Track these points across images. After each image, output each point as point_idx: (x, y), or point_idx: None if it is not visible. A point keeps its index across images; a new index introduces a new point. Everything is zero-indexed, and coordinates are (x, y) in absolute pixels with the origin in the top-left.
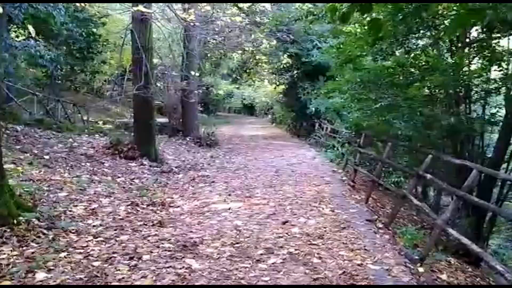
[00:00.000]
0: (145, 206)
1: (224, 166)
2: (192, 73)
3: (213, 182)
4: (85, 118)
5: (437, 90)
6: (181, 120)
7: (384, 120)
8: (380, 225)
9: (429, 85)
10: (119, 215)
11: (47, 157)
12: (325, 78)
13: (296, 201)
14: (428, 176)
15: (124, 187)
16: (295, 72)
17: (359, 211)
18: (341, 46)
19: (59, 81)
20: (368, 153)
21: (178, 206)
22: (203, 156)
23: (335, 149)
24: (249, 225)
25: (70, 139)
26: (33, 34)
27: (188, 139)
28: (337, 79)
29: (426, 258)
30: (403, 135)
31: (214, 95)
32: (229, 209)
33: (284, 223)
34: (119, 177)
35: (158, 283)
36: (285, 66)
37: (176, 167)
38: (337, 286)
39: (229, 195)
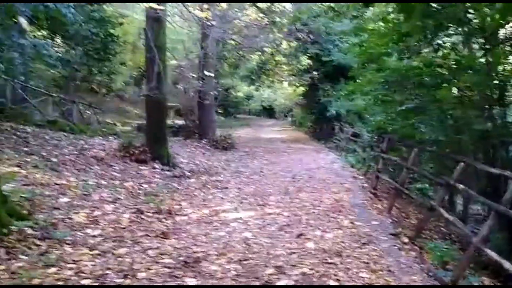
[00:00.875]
0: (150, 214)
1: (239, 171)
2: (208, 74)
3: (225, 188)
4: (100, 119)
5: (468, 92)
6: (197, 122)
7: (410, 123)
8: (405, 239)
9: (460, 86)
10: (121, 224)
11: (55, 159)
12: (346, 79)
13: (313, 210)
14: (461, 186)
15: (131, 192)
16: (315, 73)
17: (381, 223)
18: (364, 44)
19: (76, 82)
20: (391, 158)
21: (186, 215)
22: (218, 159)
23: (356, 153)
24: (259, 238)
25: (82, 141)
26: (45, 33)
27: (204, 141)
28: (358, 80)
29: (458, 281)
30: (429, 140)
31: (233, 97)
32: (240, 218)
33: (298, 236)
34: (127, 182)
35: None
36: (305, 67)
37: (188, 171)
38: (339, 286)
39: (241, 202)
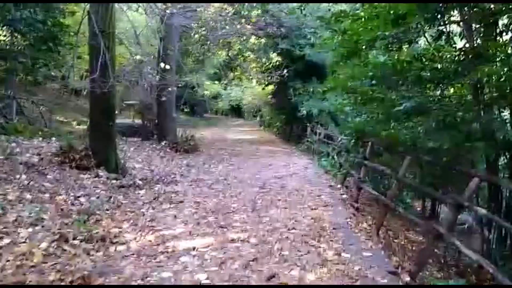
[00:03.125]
0: (77, 243)
1: (200, 179)
2: (168, 67)
3: (181, 202)
4: (52, 117)
5: (488, 89)
6: (156, 121)
7: (405, 126)
8: (407, 278)
9: (471, 81)
10: (30, 262)
11: None
12: (319, 77)
13: (287, 235)
14: (482, 210)
15: (62, 210)
16: (285, 71)
17: (374, 254)
18: (346, 32)
19: (19, 75)
20: (378, 167)
21: (124, 243)
22: (177, 164)
23: (330, 157)
24: (217, 282)
25: (14, 144)
26: None
27: (163, 143)
28: (337, 76)
29: None
30: (426, 147)
31: (199, 96)
32: (194, 249)
33: (269, 278)
34: (60, 195)
35: None
36: (274, 64)
37: (140, 180)
38: (338, 286)
39: (198, 223)
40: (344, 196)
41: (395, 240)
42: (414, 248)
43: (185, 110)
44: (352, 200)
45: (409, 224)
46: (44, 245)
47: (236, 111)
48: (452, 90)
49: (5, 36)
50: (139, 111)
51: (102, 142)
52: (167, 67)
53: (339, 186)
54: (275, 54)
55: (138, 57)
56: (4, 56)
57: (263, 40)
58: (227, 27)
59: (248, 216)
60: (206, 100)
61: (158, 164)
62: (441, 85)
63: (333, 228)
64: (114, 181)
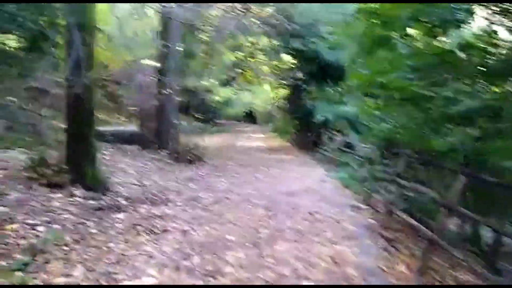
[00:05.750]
0: None
1: (197, 197)
2: (172, 65)
3: (165, 231)
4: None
5: None
6: (155, 128)
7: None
8: None
9: None
10: None
11: None
12: (334, 80)
13: None
14: None
15: (5, 245)
16: (299, 73)
17: None
18: (376, 12)
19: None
20: (417, 188)
21: None
22: (176, 178)
23: (350, 168)
24: None
25: None
26: None
27: (164, 153)
28: (358, 72)
29: None
30: (495, 165)
31: (211, 101)
32: None
33: None
34: (13, 223)
35: None
36: (287, 66)
37: (126, 199)
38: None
39: (177, 268)
40: (371, 220)
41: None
42: None
43: (197, 116)
44: (382, 228)
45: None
46: None
47: (249, 116)
48: None
49: None
50: (138, 117)
51: (80, 154)
52: (173, 67)
53: (362, 206)
54: (287, 55)
55: (131, 57)
56: None
57: (274, 41)
58: (234, 28)
59: (246, 255)
60: (217, 106)
61: (153, 178)
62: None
63: (361, 274)
64: (91, 202)
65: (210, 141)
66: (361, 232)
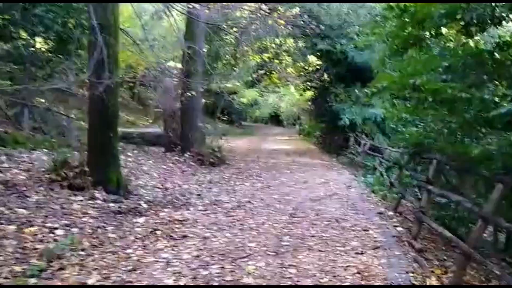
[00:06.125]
0: None
1: (219, 200)
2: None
3: (184, 236)
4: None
5: None
6: (180, 130)
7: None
8: None
9: None
10: None
11: None
12: (363, 82)
13: None
14: None
15: (22, 249)
16: (326, 75)
17: None
18: (406, 11)
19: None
20: (450, 196)
21: None
22: (198, 181)
23: (377, 173)
24: None
25: (3, 157)
26: None
27: (187, 155)
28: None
29: None
30: None
31: (237, 103)
32: None
33: None
34: (33, 226)
35: None
36: (313, 67)
37: (147, 202)
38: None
39: (195, 277)
40: (399, 228)
41: None
42: None
43: (223, 118)
44: (411, 237)
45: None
46: None
47: (275, 119)
48: None
49: (22, 39)
50: (163, 118)
51: (102, 156)
52: (199, 70)
53: (391, 213)
54: (314, 56)
55: (156, 59)
56: (21, 61)
57: (300, 42)
58: (259, 29)
59: (267, 263)
60: (243, 108)
61: (176, 181)
62: None
63: None
64: (111, 205)
65: (235, 143)
66: (389, 242)
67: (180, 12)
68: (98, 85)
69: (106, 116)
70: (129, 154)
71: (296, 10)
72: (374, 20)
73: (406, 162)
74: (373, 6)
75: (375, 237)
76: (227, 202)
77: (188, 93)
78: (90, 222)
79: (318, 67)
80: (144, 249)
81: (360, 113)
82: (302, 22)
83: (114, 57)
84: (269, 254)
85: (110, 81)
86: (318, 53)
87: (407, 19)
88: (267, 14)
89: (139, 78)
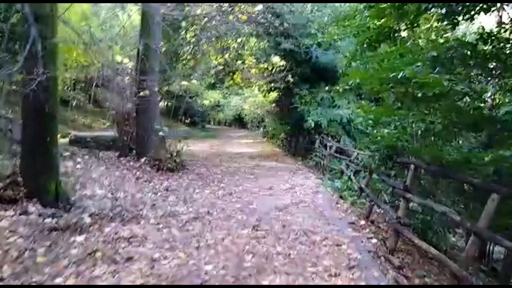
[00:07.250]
0: None
1: (175, 212)
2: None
3: (129, 258)
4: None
5: None
6: (135, 134)
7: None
8: None
9: None
10: None
11: None
12: (327, 82)
13: None
14: None
15: None
16: (290, 76)
17: None
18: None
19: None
20: (435, 207)
21: None
22: (154, 188)
23: (345, 177)
24: None
25: None
26: None
27: (143, 160)
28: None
29: None
30: None
31: (198, 105)
32: None
33: None
34: None
35: None
36: (277, 68)
37: (91, 215)
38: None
39: None
40: (374, 241)
41: None
42: None
43: (185, 121)
44: (388, 251)
45: None
46: None
47: (239, 121)
48: None
49: None
50: (115, 121)
51: (37, 164)
52: (156, 69)
53: (363, 222)
54: (277, 57)
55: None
56: None
57: (263, 41)
58: (221, 25)
59: None
60: (206, 110)
61: (128, 189)
62: None
63: None
64: (47, 220)
65: (197, 147)
66: (365, 259)
67: (136, 7)
68: (31, 83)
69: (42, 117)
70: (78, 160)
71: (258, 7)
72: (343, 16)
73: (377, 166)
74: (336, 6)
75: (349, 253)
76: (184, 214)
77: (142, 93)
78: (17, 243)
79: (282, 67)
80: (78, 277)
81: (325, 114)
82: (265, 20)
83: (50, 51)
84: (228, 280)
85: (44, 77)
86: (282, 53)
87: (374, 12)
88: (228, 11)
89: (94, 78)
